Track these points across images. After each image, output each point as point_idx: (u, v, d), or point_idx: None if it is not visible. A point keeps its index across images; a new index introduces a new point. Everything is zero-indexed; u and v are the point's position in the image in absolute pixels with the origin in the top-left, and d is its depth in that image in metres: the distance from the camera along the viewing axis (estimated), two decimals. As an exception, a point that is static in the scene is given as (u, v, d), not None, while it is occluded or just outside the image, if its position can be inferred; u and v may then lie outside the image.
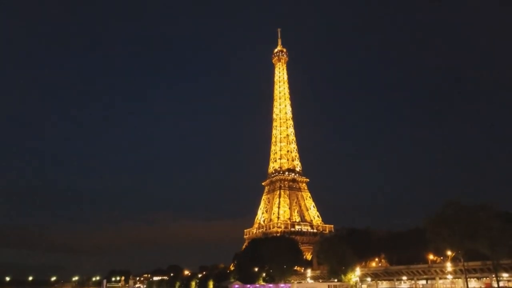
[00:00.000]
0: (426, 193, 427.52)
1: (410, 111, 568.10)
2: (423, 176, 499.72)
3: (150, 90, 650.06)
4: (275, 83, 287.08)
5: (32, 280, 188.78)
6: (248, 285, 67.44)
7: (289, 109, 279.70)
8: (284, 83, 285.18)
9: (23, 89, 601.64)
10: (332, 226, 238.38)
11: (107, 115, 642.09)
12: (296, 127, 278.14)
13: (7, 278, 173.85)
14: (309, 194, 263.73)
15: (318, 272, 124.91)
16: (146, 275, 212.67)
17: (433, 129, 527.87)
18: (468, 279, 79.09)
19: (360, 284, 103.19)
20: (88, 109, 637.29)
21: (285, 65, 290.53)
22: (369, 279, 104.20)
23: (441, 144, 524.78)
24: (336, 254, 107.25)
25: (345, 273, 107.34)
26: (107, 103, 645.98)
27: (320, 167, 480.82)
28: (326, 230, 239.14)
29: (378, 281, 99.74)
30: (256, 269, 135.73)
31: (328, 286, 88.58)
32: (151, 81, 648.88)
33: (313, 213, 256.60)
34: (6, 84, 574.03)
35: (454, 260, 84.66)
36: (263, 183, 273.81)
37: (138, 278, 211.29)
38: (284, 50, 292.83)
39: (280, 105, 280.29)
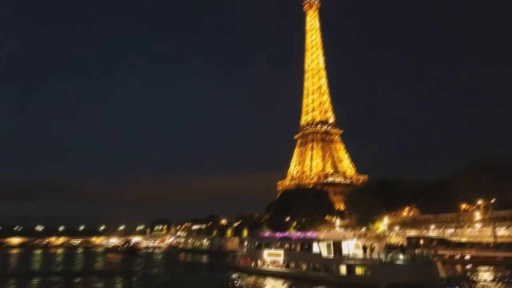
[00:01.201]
0: (460, 142, 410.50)
1: (444, 59, 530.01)
2: (457, 125, 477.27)
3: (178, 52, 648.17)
4: (307, 32, 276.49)
5: (83, 229, 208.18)
6: (278, 233, 70.98)
7: (321, 59, 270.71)
8: (316, 31, 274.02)
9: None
10: (366, 176, 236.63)
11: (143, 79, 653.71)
12: (328, 77, 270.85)
13: (61, 228, 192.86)
14: (342, 146, 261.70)
15: (347, 221, 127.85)
16: (186, 224, 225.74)
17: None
18: (497, 227, 78.27)
19: (388, 232, 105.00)
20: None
21: (317, 12, 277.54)
22: (397, 227, 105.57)
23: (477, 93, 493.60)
24: (364, 204, 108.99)
25: (373, 222, 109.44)
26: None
27: (355, 118, 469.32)
28: (360, 181, 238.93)
29: (406, 230, 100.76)
30: (288, 219, 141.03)
31: (354, 234, 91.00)
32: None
33: (346, 164, 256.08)
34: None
35: (484, 209, 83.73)
36: (295, 137, 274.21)
37: (179, 227, 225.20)
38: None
39: (312, 55, 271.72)
